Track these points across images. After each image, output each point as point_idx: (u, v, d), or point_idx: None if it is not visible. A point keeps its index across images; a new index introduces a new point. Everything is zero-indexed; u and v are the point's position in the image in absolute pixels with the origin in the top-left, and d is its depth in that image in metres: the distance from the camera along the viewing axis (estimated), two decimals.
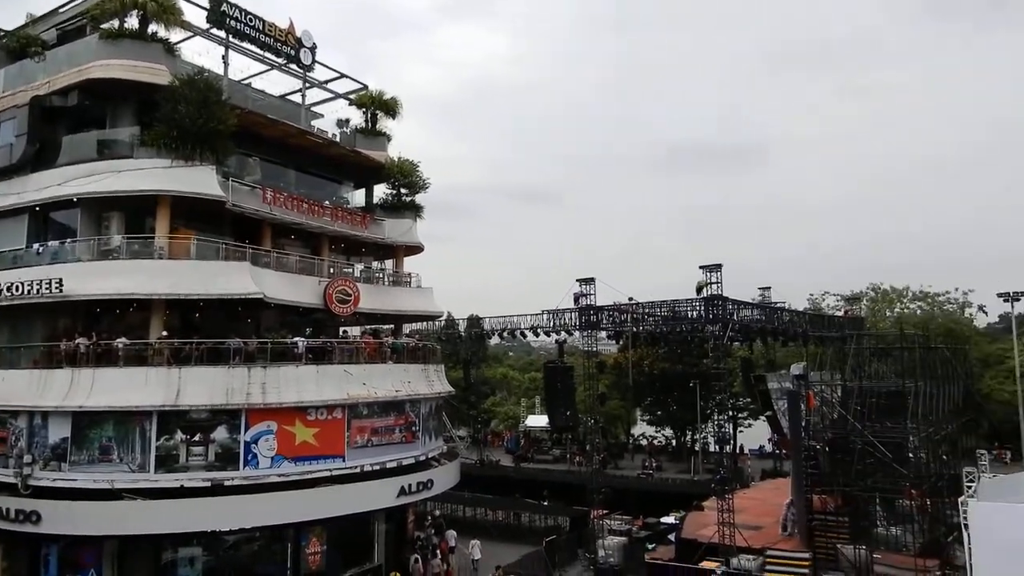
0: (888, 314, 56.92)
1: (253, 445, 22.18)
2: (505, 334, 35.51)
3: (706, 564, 22.88)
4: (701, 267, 26.47)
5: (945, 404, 32.81)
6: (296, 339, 24.53)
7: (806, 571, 23.77)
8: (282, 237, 27.71)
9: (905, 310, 58.33)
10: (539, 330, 33.13)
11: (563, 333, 32.96)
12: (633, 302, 29.98)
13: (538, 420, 54.34)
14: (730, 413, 52.75)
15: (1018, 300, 45.76)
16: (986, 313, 68.60)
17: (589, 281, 28.86)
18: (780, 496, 31.43)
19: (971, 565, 19.51)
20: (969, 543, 19.65)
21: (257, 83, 30.89)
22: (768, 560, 24.55)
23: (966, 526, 19.76)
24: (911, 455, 27.20)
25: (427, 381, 28.38)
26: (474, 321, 42.31)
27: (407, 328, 33.88)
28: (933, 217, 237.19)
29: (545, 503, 38.24)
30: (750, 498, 33.94)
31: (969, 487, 21.73)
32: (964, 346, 49.18)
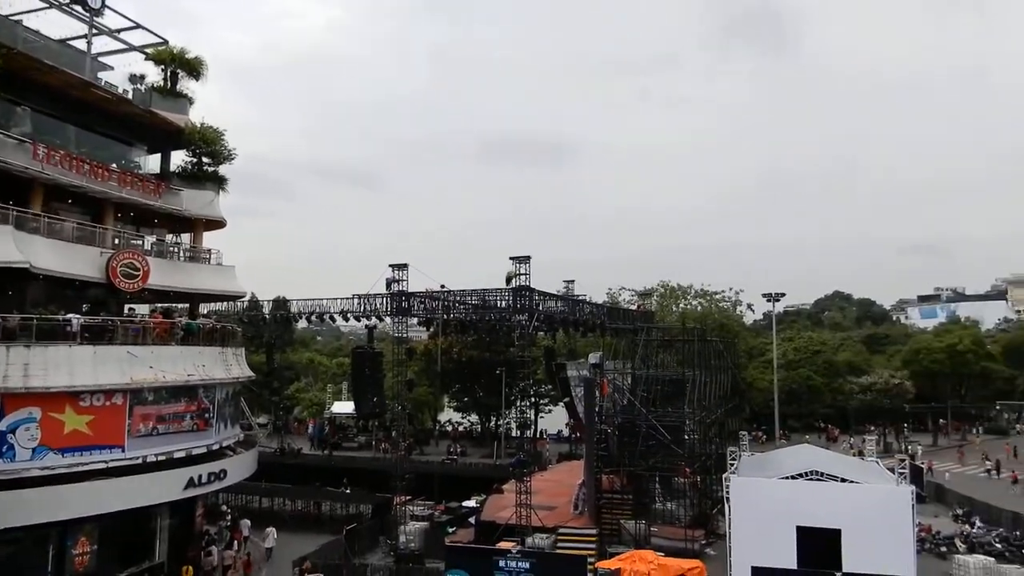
0: (674, 309, 62.71)
1: (10, 435, 19.51)
2: (313, 318, 34.18)
3: (503, 545, 23.79)
4: (511, 258, 27.33)
5: (716, 391, 36.92)
6: (70, 316, 21.89)
7: (593, 546, 25.57)
8: (57, 201, 24.53)
9: (688, 306, 64.56)
10: (349, 315, 32.29)
11: (374, 318, 32.45)
12: (445, 290, 30.27)
13: (344, 406, 53.14)
14: (532, 400, 55.26)
15: (778, 300, 52.66)
16: (753, 311, 78.33)
17: (402, 267, 28.67)
18: (574, 477, 33.48)
19: (730, 532, 22.15)
20: (729, 513, 22.28)
21: (32, 22, 26.90)
22: (559, 537, 26.11)
23: (727, 498, 22.38)
24: (687, 437, 30.27)
25: (224, 365, 26.66)
26: (280, 303, 40.25)
27: (204, 308, 31.54)
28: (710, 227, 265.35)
29: (347, 491, 37.59)
30: (547, 480, 35.77)
31: (731, 464, 24.54)
32: (734, 339, 55.62)
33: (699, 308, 64.14)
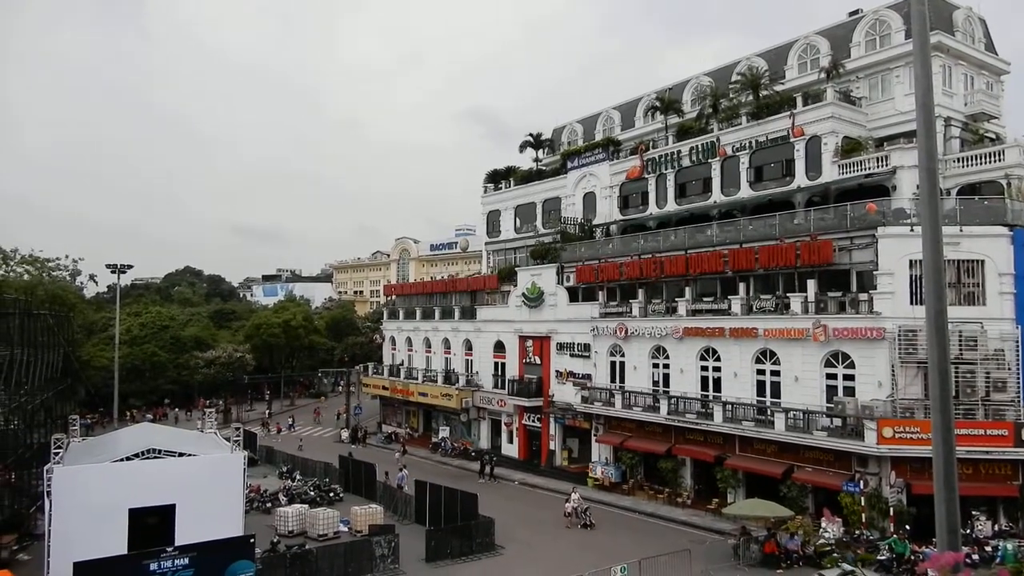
0: None
1: None
2: None
3: None
4: None
5: (44, 372, 32.36)
6: None
7: None
8: None
9: (11, 273, 54.87)
10: None
11: None
12: None
13: None
14: None
15: (124, 273, 49.42)
16: (96, 283, 71.80)
17: None
18: None
19: (49, 530, 19.79)
20: (50, 508, 19.90)
21: None
22: None
23: (49, 493, 19.94)
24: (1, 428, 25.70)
25: None
26: None
27: None
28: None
29: None
30: None
31: (57, 453, 21.93)
32: (69, 313, 49.77)
33: (26, 276, 55.09)
